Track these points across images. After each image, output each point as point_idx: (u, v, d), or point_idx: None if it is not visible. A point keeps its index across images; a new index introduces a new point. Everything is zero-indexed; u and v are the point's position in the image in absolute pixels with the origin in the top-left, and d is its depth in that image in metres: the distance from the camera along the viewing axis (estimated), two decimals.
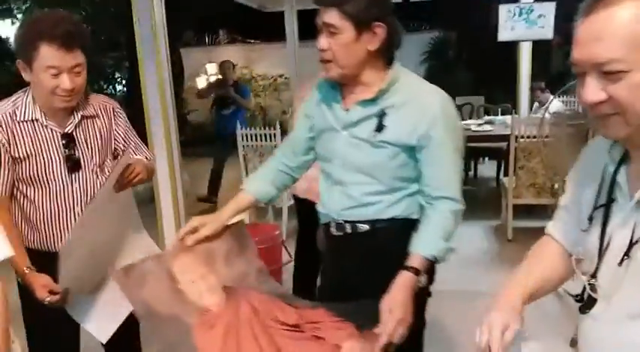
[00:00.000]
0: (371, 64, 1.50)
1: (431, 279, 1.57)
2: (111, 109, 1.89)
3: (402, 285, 1.42)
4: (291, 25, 6.60)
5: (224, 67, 6.13)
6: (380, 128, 1.49)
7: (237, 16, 9.58)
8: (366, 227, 1.57)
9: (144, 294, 1.48)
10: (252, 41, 11.54)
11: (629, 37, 0.82)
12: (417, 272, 1.44)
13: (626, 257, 0.93)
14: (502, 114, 6.48)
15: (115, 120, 1.89)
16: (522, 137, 4.19)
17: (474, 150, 5.78)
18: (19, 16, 7.67)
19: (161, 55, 3.13)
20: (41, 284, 1.63)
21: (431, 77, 9.91)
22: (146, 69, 3.16)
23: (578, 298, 1.04)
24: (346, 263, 1.63)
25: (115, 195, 1.70)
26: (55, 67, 1.62)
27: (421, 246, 1.47)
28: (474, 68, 9.55)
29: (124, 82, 9.31)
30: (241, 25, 11.72)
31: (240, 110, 5.94)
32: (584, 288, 1.01)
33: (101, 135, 1.84)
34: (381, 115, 1.49)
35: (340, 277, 1.64)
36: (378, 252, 1.55)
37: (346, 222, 1.60)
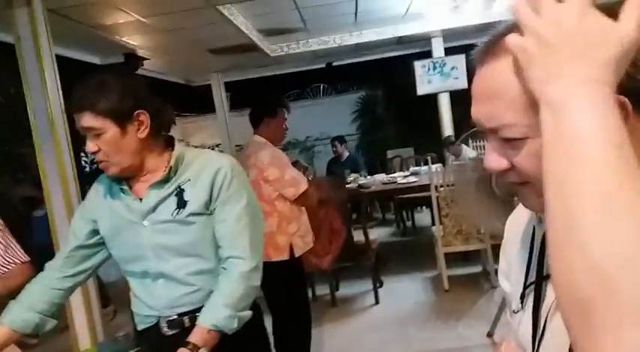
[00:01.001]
0: (149, 150, 1.47)
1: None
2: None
3: None
4: (219, 97, 6.67)
5: None
6: (182, 204, 1.45)
7: (168, 92, 9.58)
8: None
9: None
10: (186, 114, 11.58)
11: (522, 97, 0.59)
12: (193, 348, 1.33)
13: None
14: (433, 163, 6.63)
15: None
16: (442, 186, 4.24)
17: (405, 201, 5.91)
18: None
19: (60, 143, 3.00)
20: None
21: (363, 133, 10.14)
22: (45, 158, 3.02)
23: None
24: None
25: None
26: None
27: (202, 317, 1.39)
28: (402, 122, 9.78)
29: None
30: (172, 100, 11.67)
31: None
32: None
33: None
34: (180, 192, 1.46)
35: None
36: (229, 340, 1.40)
37: (181, 314, 1.49)
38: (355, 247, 4.25)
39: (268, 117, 2.95)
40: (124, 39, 4.72)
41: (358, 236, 4.31)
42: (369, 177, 5.99)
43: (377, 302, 4.25)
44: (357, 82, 10.92)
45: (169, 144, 1.53)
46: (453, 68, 6.31)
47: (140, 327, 1.57)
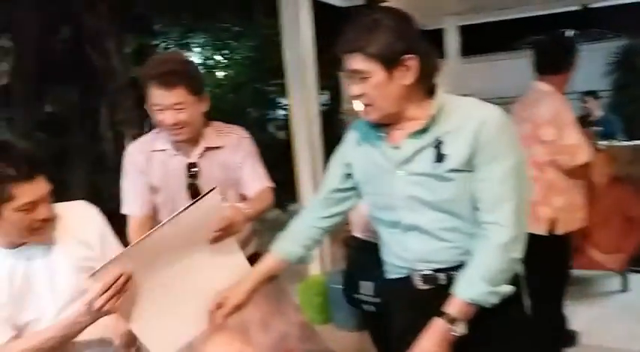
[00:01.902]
0: (412, 98, 1.38)
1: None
2: (235, 140, 1.92)
3: (430, 333, 1.33)
4: (453, 42, 6.41)
5: None
6: (440, 158, 1.34)
7: None
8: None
9: None
10: None
11: None
12: (451, 320, 1.31)
13: None
14: None
15: (237, 152, 1.91)
16: None
17: None
18: (197, 49, 8.48)
19: (308, 83, 3.11)
20: None
21: (619, 89, 8.75)
22: (294, 96, 3.16)
23: None
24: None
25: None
26: (157, 104, 1.74)
27: (459, 288, 1.33)
28: None
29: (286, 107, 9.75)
30: None
31: None
32: None
33: (224, 165, 1.89)
34: (438, 144, 1.35)
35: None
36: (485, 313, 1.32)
37: (438, 270, 1.41)
38: None
39: (569, 64, 2.50)
40: None
41: None
42: (627, 143, 5.08)
43: (624, 289, 3.66)
44: (617, 29, 9.41)
45: (432, 91, 1.42)
46: None
47: (390, 276, 1.55)
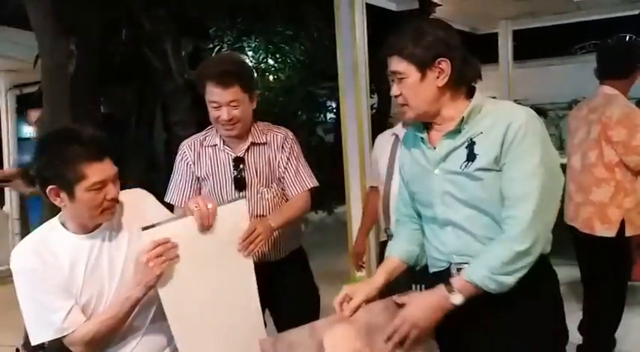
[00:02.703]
0: (446, 99, 1.49)
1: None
2: (280, 139, 2.07)
3: (429, 296, 1.45)
4: (505, 47, 6.33)
5: None
6: (472, 157, 1.44)
7: None
8: None
9: None
10: None
11: None
12: (450, 288, 1.41)
13: None
14: None
15: (281, 149, 2.06)
16: None
17: None
18: (250, 53, 8.68)
19: (360, 86, 3.16)
20: None
21: None
22: (346, 98, 3.22)
23: None
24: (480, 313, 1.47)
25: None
26: (214, 101, 1.88)
27: (467, 268, 1.44)
28: None
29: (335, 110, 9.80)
30: None
31: None
32: None
33: (269, 161, 2.04)
34: (470, 144, 1.45)
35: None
36: (514, 294, 1.42)
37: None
38: None
39: (634, 69, 2.57)
40: None
41: None
42: None
43: None
44: None
45: (470, 95, 1.53)
46: None
47: (432, 270, 1.65)
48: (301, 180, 2.09)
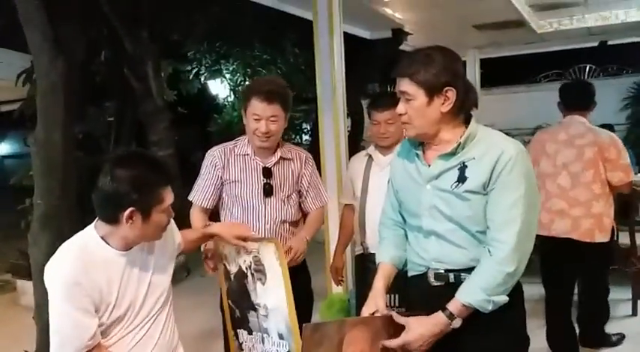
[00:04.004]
0: (446, 123, 1.61)
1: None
2: (304, 157, 2.36)
3: (429, 322, 1.55)
4: (473, 74, 6.58)
5: None
6: (462, 179, 1.57)
7: None
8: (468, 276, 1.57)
9: None
10: None
11: None
12: (450, 315, 1.54)
13: None
14: None
15: (304, 166, 2.34)
16: None
17: None
18: (227, 75, 8.82)
19: (338, 108, 3.36)
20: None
21: (634, 124, 8.84)
22: (325, 120, 3.41)
23: None
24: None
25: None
26: (257, 114, 2.11)
27: (461, 291, 1.55)
28: None
29: (310, 132, 10.02)
30: None
31: None
32: None
33: (292, 175, 2.31)
34: (462, 167, 1.58)
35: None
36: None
37: (448, 271, 1.63)
38: (618, 251, 3.81)
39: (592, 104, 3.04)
40: (395, 14, 4.93)
41: (624, 238, 3.88)
42: None
43: (634, 313, 3.83)
44: (634, 65, 9.54)
45: (467, 121, 1.64)
46: None
47: (410, 273, 1.77)
48: (320, 197, 2.39)
